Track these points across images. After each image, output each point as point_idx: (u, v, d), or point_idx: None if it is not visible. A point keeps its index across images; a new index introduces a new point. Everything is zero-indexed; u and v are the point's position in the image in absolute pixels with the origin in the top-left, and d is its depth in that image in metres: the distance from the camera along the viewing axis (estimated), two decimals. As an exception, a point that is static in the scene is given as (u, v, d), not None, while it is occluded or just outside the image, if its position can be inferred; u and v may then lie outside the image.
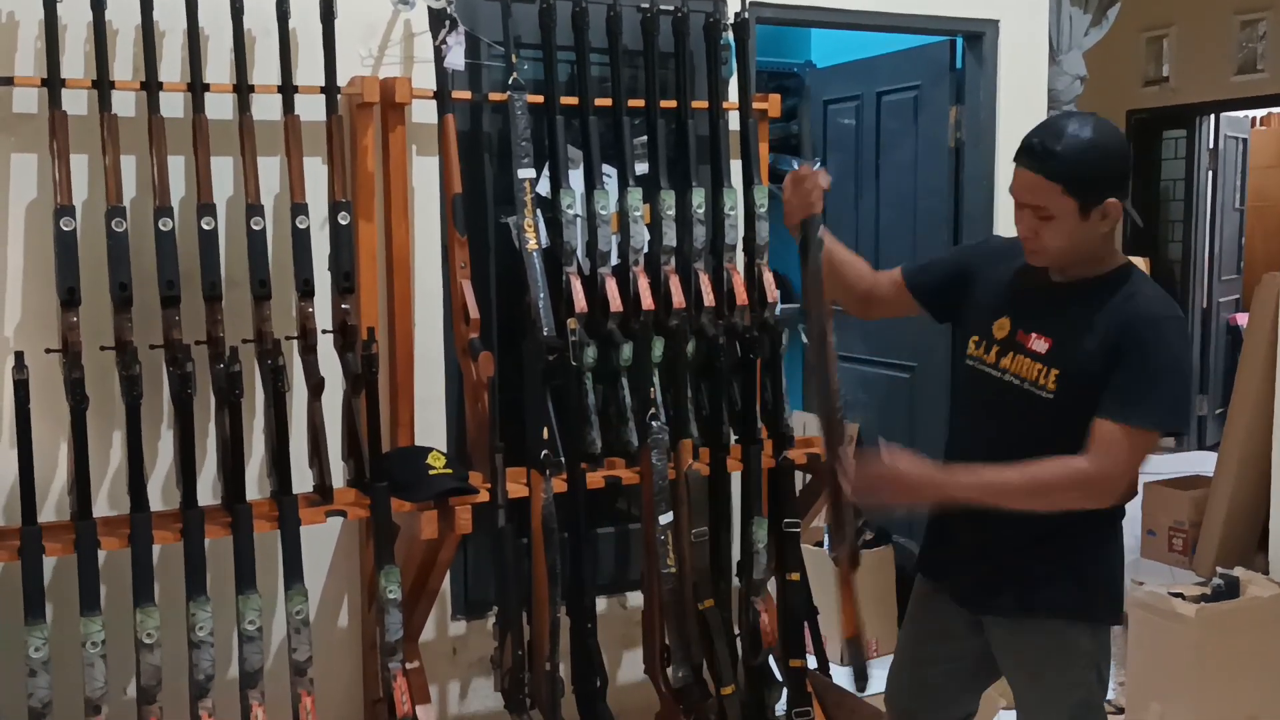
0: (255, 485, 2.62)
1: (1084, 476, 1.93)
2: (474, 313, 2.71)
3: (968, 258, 2.27)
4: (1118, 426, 1.90)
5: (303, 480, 2.54)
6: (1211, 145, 6.67)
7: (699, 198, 2.95)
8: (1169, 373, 1.93)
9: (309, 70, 2.61)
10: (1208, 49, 5.75)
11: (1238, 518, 4.53)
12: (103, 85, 2.40)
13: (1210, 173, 6.72)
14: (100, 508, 2.49)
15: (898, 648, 2.37)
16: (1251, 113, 7.18)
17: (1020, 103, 3.76)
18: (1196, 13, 5.68)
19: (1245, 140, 7.13)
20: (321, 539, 2.79)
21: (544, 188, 2.85)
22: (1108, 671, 2.16)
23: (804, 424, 4.40)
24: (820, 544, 4.05)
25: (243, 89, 2.53)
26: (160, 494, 2.60)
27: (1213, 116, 6.53)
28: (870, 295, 2.26)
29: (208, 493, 2.56)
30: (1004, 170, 3.75)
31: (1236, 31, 5.63)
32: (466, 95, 2.85)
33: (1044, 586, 2.07)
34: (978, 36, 3.70)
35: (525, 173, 2.74)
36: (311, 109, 2.59)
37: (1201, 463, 5.10)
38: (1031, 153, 1.94)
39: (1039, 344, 2.01)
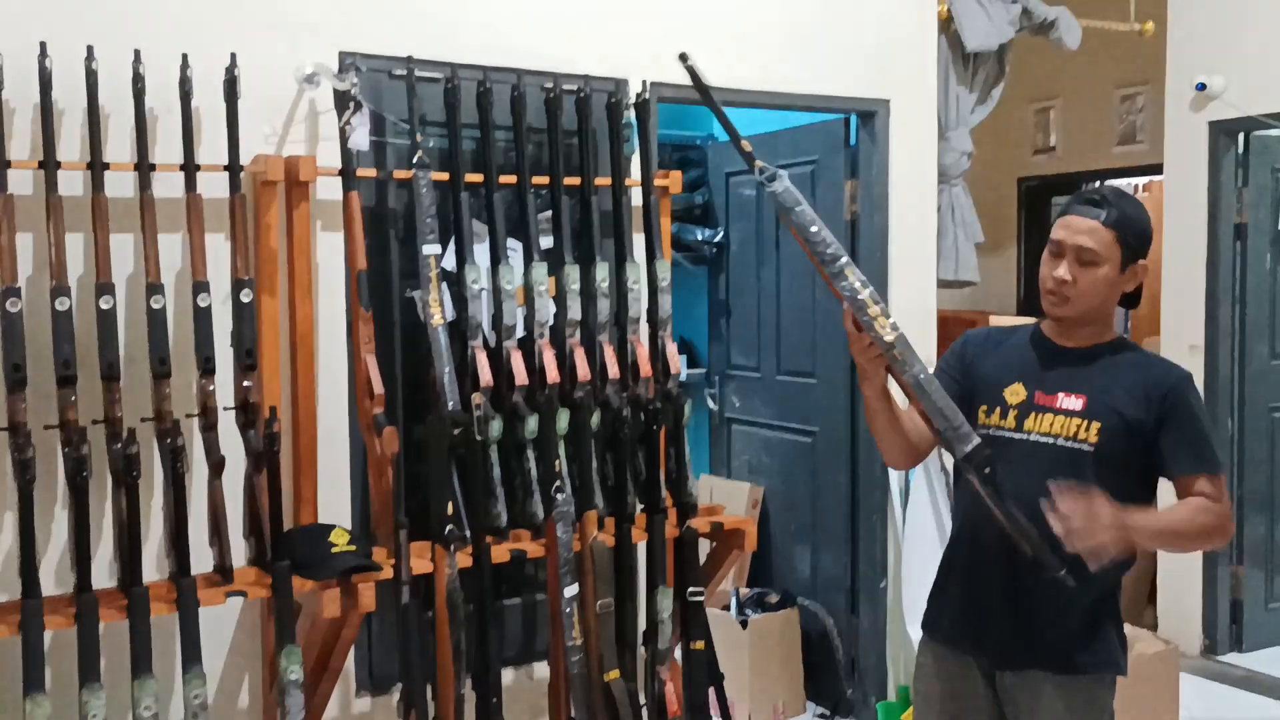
0: (154, 566, 2.58)
1: (1223, 519, 2.08)
2: (378, 388, 2.72)
3: (962, 353, 2.31)
4: (1206, 477, 2.09)
5: (203, 560, 2.50)
6: (1097, 211, 6.95)
7: (603, 272, 3.01)
8: (1208, 424, 2.17)
9: (212, 148, 2.61)
10: (1091, 121, 6.03)
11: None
12: (-2, 165, 2.38)
13: (1097, 237, 6.99)
14: (-11, 593, 2.43)
15: (915, 715, 2.39)
16: (1134, 180, 7.52)
17: (912, 177, 3.92)
18: (1080, 87, 5.96)
19: (1129, 206, 7.46)
20: (222, 619, 2.75)
21: (449, 262, 2.88)
22: None
23: (710, 490, 4.47)
24: (726, 608, 4.10)
25: (144, 167, 2.51)
26: (54, 577, 2.54)
27: (1098, 183, 6.83)
28: (916, 440, 2.21)
29: (104, 574, 2.51)
30: (897, 240, 3.89)
31: (1117, 105, 5.92)
32: (372, 173, 2.88)
33: (1083, 644, 2.16)
34: (870, 115, 3.85)
35: (430, 248, 2.77)
36: (214, 186, 2.60)
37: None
38: (1093, 201, 2.11)
39: (1071, 401, 2.14)
